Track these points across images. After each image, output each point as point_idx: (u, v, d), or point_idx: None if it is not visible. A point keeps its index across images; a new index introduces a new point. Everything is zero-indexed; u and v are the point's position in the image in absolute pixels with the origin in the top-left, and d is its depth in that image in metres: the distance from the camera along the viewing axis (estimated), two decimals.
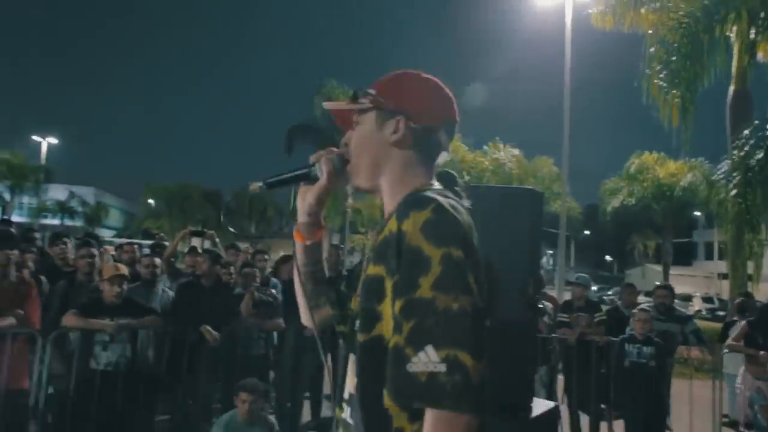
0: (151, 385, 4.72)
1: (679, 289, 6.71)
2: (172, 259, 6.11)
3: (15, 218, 36.55)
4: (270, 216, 39.20)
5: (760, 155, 8.24)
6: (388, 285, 1.11)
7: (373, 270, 1.16)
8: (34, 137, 39.42)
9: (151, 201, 46.86)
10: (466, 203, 2.34)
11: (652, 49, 7.94)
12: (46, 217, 39.51)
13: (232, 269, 5.38)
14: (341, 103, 1.37)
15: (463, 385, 0.97)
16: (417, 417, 1.05)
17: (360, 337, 1.15)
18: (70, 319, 4.27)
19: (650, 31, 8.32)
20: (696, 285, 38.20)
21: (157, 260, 5.32)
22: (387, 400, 1.08)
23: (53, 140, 40.16)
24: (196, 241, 8.27)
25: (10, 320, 3.90)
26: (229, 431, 4.21)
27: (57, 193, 40.05)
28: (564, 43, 16.42)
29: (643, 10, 9.31)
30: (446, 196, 1.18)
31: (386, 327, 1.10)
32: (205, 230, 7.07)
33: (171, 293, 5.23)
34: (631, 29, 10.07)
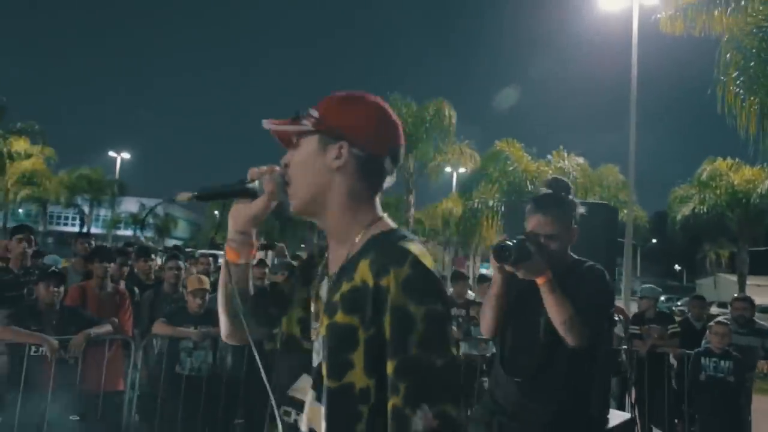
0: (231, 389, 4.95)
1: (757, 300, 6.46)
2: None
3: (93, 230, 38.63)
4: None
5: None
6: (362, 336, 1.13)
7: (343, 318, 1.16)
8: (110, 153, 41.47)
9: (216, 212, 48.40)
10: (581, 210, 2.46)
11: (728, 55, 7.68)
12: (119, 228, 41.44)
13: None
14: (282, 122, 1.30)
15: None
16: None
17: (330, 383, 1.16)
18: (159, 327, 4.55)
19: (726, 37, 8.05)
20: None
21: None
22: None
23: (126, 155, 42.10)
24: (259, 253, 8.60)
25: (107, 327, 4.20)
26: None
27: (129, 205, 41.98)
28: (630, 48, 16.13)
29: (716, 13, 9.01)
30: (411, 240, 1.19)
31: (357, 376, 1.14)
32: (275, 243, 7.33)
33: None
34: (703, 33, 9.73)
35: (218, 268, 5.66)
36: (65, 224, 55.41)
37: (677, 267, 62.81)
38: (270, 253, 7.90)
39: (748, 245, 21.55)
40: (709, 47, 9.41)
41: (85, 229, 36.98)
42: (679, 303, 31.74)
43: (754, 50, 7.33)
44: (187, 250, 9.54)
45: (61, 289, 4.11)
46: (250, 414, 5.32)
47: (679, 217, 20.87)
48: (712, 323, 5.39)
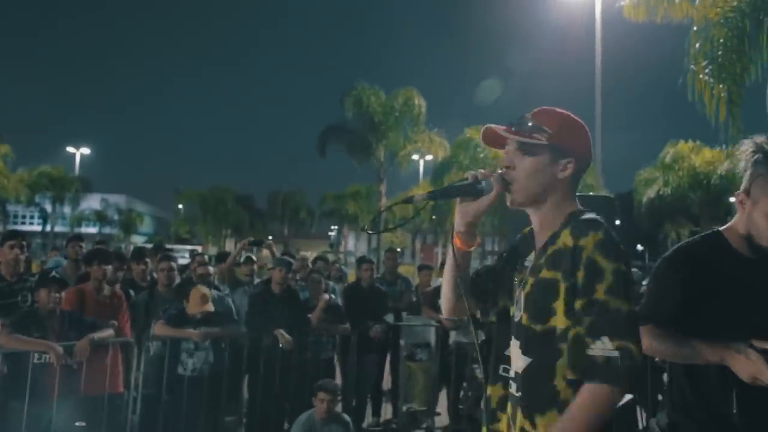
0: (232, 388, 4.99)
1: None
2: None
3: (57, 228, 37.66)
4: (303, 218, 39.66)
5: None
6: (562, 287, 1.43)
7: (546, 274, 1.47)
8: (69, 149, 40.35)
9: (180, 206, 47.66)
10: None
11: (697, 45, 7.94)
12: (80, 226, 40.49)
13: (297, 276, 5.63)
14: (508, 129, 1.58)
15: (630, 368, 1.31)
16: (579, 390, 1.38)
17: (535, 327, 1.47)
18: (160, 329, 4.54)
19: (695, 28, 8.30)
20: None
21: (212, 269, 5.70)
22: (557, 379, 1.42)
23: (86, 150, 41.03)
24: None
25: (109, 331, 4.17)
26: (308, 430, 4.44)
27: (91, 202, 41.02)
28: (594, 34, 16.47)
29: (677, 0, 9.27)
30: (599, 217, 1.51)
31: (558, 320, 1.43)
32: (263, 240, 7.35)
33: (225, 297, 5.49)
34: (665, 20, 9.98)
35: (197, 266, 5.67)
36: (23, 223, 53.83)
37: (640, 247, 64.46)
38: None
39: (709, 225, 22.28)
40: (671, 34, 9.67)
41: (48, 228, 36.07)
42: (644, 283, 32.57)
43: (721, 40, 7.60)
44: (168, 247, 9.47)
45: (62, 294, 4.07)
46: (251, 412, 5.37)
47: (644, 199, 21.44)
48: None
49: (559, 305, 1.42)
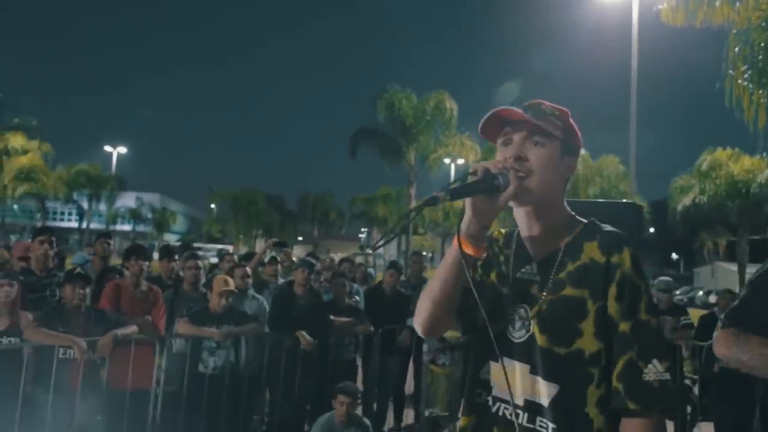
0: (252, 387, 5.00)
1: None
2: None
3: (93, 225, 38.56)
4: (332, 219, 39.93)
5: None
6: (591, 307, 1.33)
7: (572, 292, 1.35)
8: (106, 147, 41.29)
9: (213, 206, 48.37)
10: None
11: (736, 49, 7.72)
12: (115, 223, 41.40)
13: (322, 277, 5.62)
14: (518, 114, 1.38)
15: (675, 389, 1.31)
16: (615, 419, 1.31)
17: (558, 350, 1.34)
18: (183, 327, 4.58)
19: (734, 31, 8.09)
20: None
21: (249, 269, 5.61)
22: (589, 407, 1.32)
23: (122, 149, 41.95)
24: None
25: (133, 328, 4.22)
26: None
27: (127, 200, 41.91)
28: (630, 38, 16.16)
29: (717, 3, 9.04)
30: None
31: (586, 342, 1.32)
32: (287, 242, 7.42)
33: (262, 299, 5.50)
34: (704, 24, 9.76)
35: (236, 267, 5.70)
36: (62, 219, 55.27)
37: (674, 256, 63.09)
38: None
39: (748, 234, 21.67)
40: (710, 38, 9.44)
41: (84, 225, 36.97)
42: (677, 292, 31.92)
43: (762, 44, 7.38)
44: (195, 245, 9.61)
45: (87, 290, 4.14)
46: (272, 411, 5.39)
47: (679, 207, 20.98)
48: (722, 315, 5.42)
49: (588, 326, 1.32)
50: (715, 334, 1.88)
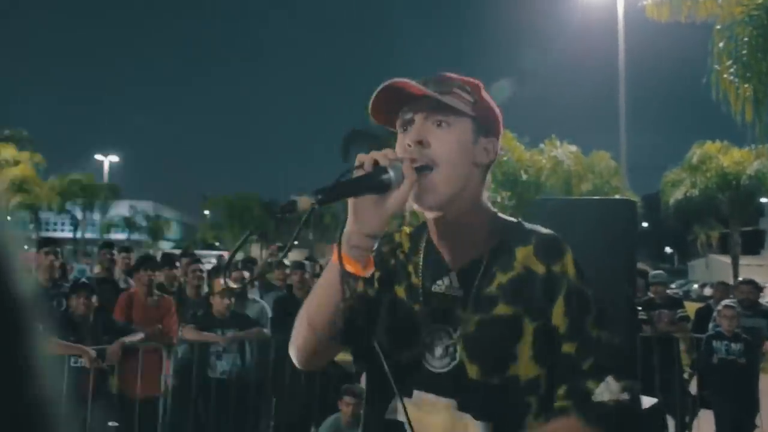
0: (260, 391, 5.07)
1: None
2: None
3: (87, 235, 38.44)
4: (327, 223, 39.86)
5: None
6: (528, 327, 1.09)
7: (506, 310, 1.09)
8: (98, 157, 41.12)
9: (207, 212, 48.29)
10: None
11: (721, 44, 7.86)
12: (109, 232, 41.25)
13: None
14: (419, 87, 1.08)
15: (634, 409, 1.09)
16: None
17: (492, 380, 1.09)
18: (188, 333, 4.65)
19: (718, 26, 8.23)
20: (766, 274, 36.78)
21: (246, 273, 5.76)
22: None
23: (114, 158, 41.75)
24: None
25: (140, 335, 4.30)
26: None
27: (120, 208, 41.77)
28: (616, 34, 16.34)
29: None
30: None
31: (522, 367, 1.09)
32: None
33: (263, 303, 5.57)
34: (689, 20, 9.87)
35: (233, 271, 5.80)
36: (55, 230, 55.06)
37: (668, 250, 63.50)
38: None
39: (739, 226, 21.90)
40: (696, 33, 9.56)
41: (78, 235, 36.87)
42: (673, 286, 32.11)
43: (746, 39, 7.52)
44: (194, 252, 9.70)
45: (93, 299, 4.20)
46: (278, 414, 5.45)
47: (671, 201, 21.16)
48: (719, 307, 5.53)
49: (524, 349, 1.08)
50: None
